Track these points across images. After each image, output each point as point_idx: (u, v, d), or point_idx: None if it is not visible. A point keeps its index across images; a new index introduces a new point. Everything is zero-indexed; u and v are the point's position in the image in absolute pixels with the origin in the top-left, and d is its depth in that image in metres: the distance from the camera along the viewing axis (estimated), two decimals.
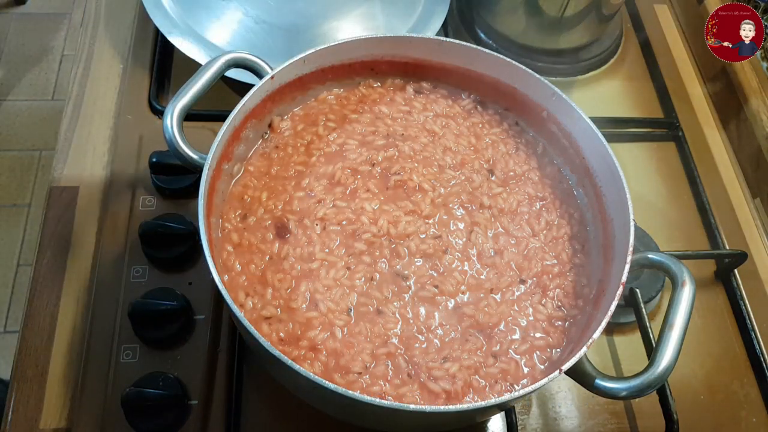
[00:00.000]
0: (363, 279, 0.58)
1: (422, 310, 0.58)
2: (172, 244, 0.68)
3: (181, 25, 0.82)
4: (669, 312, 0.54)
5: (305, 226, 0.60)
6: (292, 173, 0.64)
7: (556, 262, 0.62)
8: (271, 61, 0.64)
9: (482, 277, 0.61)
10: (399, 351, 0.55)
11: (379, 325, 0.56)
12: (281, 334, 0.55)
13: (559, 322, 0.59)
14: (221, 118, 0.58)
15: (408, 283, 0.59)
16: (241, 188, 0.62)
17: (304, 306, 0.56)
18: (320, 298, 0.56)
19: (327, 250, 0.59)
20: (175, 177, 0.72)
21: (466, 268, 0.61)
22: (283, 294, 0.57)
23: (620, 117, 0.91)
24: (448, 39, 0.67)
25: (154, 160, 0.72)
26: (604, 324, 0.51)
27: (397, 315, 0.57)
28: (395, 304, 0.58)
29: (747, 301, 0.77)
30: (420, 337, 0.56)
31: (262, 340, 0.47)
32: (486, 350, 0.56)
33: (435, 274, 0.60)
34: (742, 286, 0.78)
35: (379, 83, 0.71)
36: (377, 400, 0.46)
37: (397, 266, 0.60)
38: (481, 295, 0.60)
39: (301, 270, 0.58)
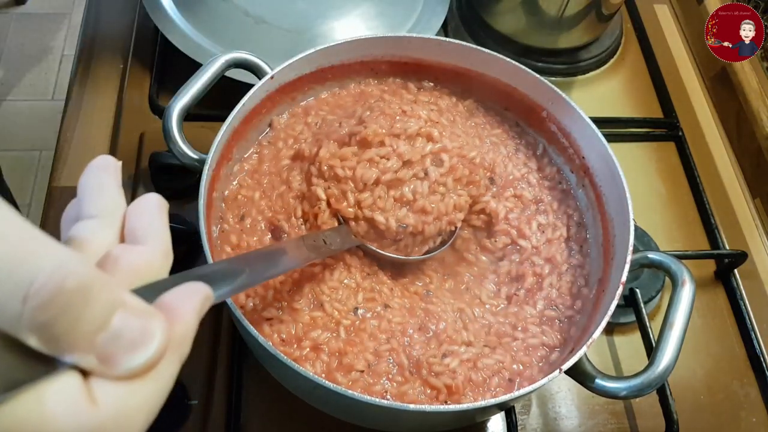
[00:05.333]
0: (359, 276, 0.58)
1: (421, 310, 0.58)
2: (173, 245, 0.67)
3: (181, 25, 0.82)
4: (669, 312, 0.54)
5: (292, 225, 0.60)
6: (285, 172, 0.64)
7: (555, 262, 0.62)
8: (271, 61, 0.64)
9: None
10: (400, 349, 0.55)
11: (378, 325, 0.56)
12: (282, 335, 0.54)
13: (559, 322, 0.59)
14: (221, 118, 0.58)
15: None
16: (239, 188, 0.62)
17: (307, 307, 0.56)
18: (326, 300, 0.56)
19: None
20: (175, 177, 0.72)
21: None
22: (284, 296, 0.56)
23: (620, 117, 0.91)
24: (448, 39, 0.67)
25: (154, 160, 0.72)
26: (604, 324, 0.51)
27: (396, 314, 0.57)
28: (396, 302, 0.57)
29: (747, 301, 0.77)
30: (420, 334, 0.56)
31: (263, 341, 0.47)
32: (486, 348, 0.56)
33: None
34: (742, 286, 0.78)
35: (379, 83, 0.71)
36: (377, 400, 0.46)
37: None
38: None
39: (301, 271, 0.58)
